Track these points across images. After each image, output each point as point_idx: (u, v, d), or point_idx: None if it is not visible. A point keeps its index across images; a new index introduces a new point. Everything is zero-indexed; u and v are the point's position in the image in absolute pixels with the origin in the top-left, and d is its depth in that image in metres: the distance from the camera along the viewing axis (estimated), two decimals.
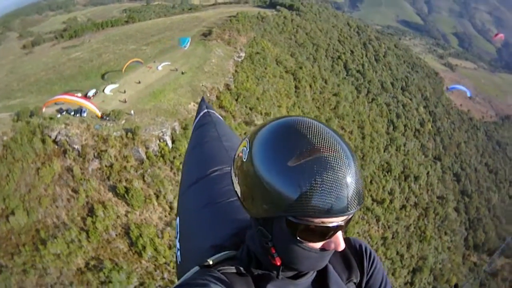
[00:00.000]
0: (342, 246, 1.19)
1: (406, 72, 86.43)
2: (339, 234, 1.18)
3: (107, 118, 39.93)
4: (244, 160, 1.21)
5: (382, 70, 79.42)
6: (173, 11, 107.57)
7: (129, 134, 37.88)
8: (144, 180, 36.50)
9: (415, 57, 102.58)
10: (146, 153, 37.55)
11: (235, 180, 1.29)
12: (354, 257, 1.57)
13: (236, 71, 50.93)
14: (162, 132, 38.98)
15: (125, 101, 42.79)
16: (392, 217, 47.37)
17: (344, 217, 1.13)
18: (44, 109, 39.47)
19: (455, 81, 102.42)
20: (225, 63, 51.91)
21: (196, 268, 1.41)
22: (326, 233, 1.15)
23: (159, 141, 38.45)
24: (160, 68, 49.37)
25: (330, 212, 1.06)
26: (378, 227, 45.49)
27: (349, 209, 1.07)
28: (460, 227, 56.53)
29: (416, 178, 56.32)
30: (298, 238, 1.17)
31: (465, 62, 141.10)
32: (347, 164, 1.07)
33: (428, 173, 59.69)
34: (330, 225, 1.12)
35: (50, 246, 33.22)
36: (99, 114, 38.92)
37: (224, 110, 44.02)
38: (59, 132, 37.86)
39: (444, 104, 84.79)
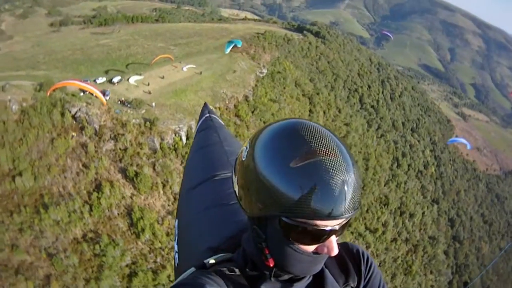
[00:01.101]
0: (335, 251, 1.20)
1: (418, 114, 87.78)
2: (333, 238, 1.19)
3: (128, 105, 41.76)
4: (244, 158, 1.26)
5: (396, 109, 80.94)
6: (202, 19, 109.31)
7: (147, 124, 39.75)
8: (154, 169, 38.15)
9: (430, 102, 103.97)
10: (160, 144, 39.32)
11: (235, 180, 1.34)
12: (351, 261, 1.57)
13: (256, 85, 53.02)
14: (179, 127, 40.79)
15: (149, 93, 44.82)
16: (382, 247, 48.60)
17: (339, 221, 1.14)
18: (49, 94, 40.44)
19: (465, 130, 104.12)
20: (247, 76, 54.09)
21: (192, 269, 1.45)
22: (319, 236, 1.17)
23: (175, 135, 40.24)
24: (185, 69, 51.41)
25: (324, 215, 1.08)
26: None
27: (344, 213, 1.08)
28: (446, 270, 57.23)
29: (411, 216, 57.57)
30: (290, 239, 1.19)
31: (478, 114, 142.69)
32: (345, 169, 1.08)
33: (423, 213, 60.77)
34: (324, 228, 1.13)
35: (51, 212, 34.52)
36: (105, 102, 40.40)
37: (240, 119, 46.00)
38: (79, 109, 39.66)
39: (451, 151, 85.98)
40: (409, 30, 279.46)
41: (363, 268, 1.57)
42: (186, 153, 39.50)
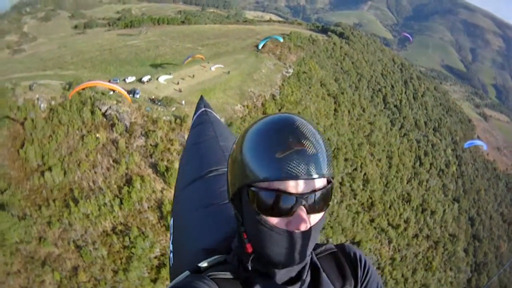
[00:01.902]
0: (304, 225, 1.15)
1: (440, 114, 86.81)
2: (302, 211, 1.14)
3: (159, 103, 42.52)
4: (231, 151, 1.28)
5: (418, 108, 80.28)
6: (227, 21, 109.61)
7: (178, 120, 40.36)
8: None
9: (451, 102, 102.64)
10: None
11: (228, 177, 1.33)
12: (348, 265, 1.53)
13: (282, 84, 53.34)
14: None
15: (180, 91, 45.60)
16: (403, 242, 48.44)
17: (302, 188, 1.11)
18: (71, 96, 40.69)
19: (486, 131, 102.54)
20: (274, 75, 54.49)
21: (187, 272, 1.42)
22: (284, 206, 1.13)
23: None
24: (213, 69, 52.00)
25: (283, 175, 1.08)
26: (389, 248, 46.56)
27: (302, 173, 1.07)
28: (466, 267, 56.73)
29: (433, 213, 57.13)
30: (258, 212, 1.17)
31: (499, 115, 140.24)
32: (309, 135, 1.12)
33: (444, 211, 60.21)
34: (288, 194, 1.11)
35: (81, 206, 35.01)
36: (130, 99, 40.96)
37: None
38: (110, 107, 40.42)
39: (472, 150, 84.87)
40: (431, 31, 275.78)
41: (359, 273, 1.53)
42: None
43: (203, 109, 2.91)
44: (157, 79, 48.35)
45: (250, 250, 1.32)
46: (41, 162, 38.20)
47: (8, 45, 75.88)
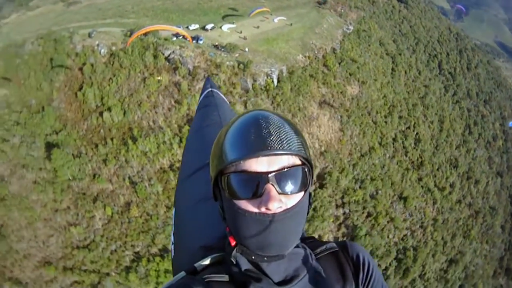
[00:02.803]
0: (274, 204, 1.14)
1: (492, 87, 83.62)
2: (270, 189, 1.14)
3: (222, 49, 42.79)
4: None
5: (471, 79, 77.45)
6: None
7: (241, 66, 40.54)
8: (246, 106, 38.95)
9: (503, 78, 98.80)
10: (253, 84, 40.22)
11: None
12: (350, 266, 1.47)
13: (343, 39, 52.50)
14: (271, 70, 41.40)
15: (245, 38, 45.74)
16: (447, 205, 47.97)
17: (265, 165, 1.15)
18: (129, 44, 41.26)
19: None
20: (335, 31, 53.60)
21: (183, 273, 1.41)
22: (252, 184, 1.16)
23: (267, 77, 40.91)
24: (276, 20, 51.43)
25: (244, 153, 1.14)
26: (433, 209, 46.24)
27: (259, 149, 1.12)
28: (501, 244, 55.66)
29: (476, 182, 56.04)
30: (228, 196, 1.21)
31: None
32: (270, 117, 1.21)
33: (488, 182, 58.77)
34: (253, 173, 1.15)
35: (139, 143, 35.96)
36: (191, 40, 41.94)
37: (327, 68, 46.04)
38: (173, 52, 40.85)
39: None
40: (486, 6, 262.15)
41: (361, 276, 1.46)
42: (276, 94, 40.65)
43: (210, 89, 2.84)
44: (220, 27, 48.37)
45: (233, 243, 1.31)
46: (100, 103, 39.12)
47: None
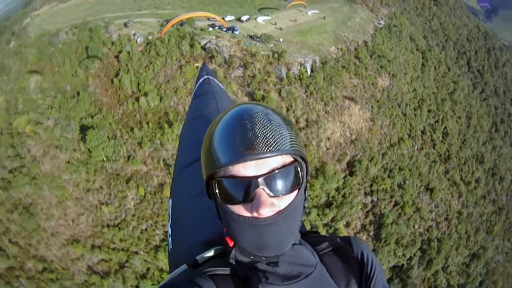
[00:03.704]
0: (266, 209, 1.10)
1: None
2: (260, 193, 1.09)
3: (257, 40, 43.14)
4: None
5: (498, 77, 76.13)
6: None
7: (275, 55, 40.83)
8: (280, 94, 39.51)
9: None
10: (287, 73, 40.48)
11: None
12: (353, 263, 1.43)
13: (374, 33, 52.25)
14: (304, 60, 41.56)
15: (281, 29, 46.14)
16: (472, 200, 47.43)
17: (253, 169, 1.09)
18: (164, 33, 41.80)
19: None
20: (366, 25, 53.36)
21: (184, 266, 1.38)
22: (242, 189, 1.11)
23: (300, 67, 41.10)
24: (309, 13, 51.80)
25: (232, 158, 1.07)
26: (458, 202, 45.82)
27: (248, 153, 1.05)
28: None
29: (501, 179, 55.16)
30: (221, 200, 1.15)
31: None
32: (259, 115, 1.11)
33: None
34: (242, 177, 1.09)
35: (175, 127, 36.41)
36: (226, 25, 43.15)
37: (359, 60, 45.98)
38: (209, 41, 41.47)
39: None
40: None
41: (365, 273, 1.42)
42: (309, 83, 40.66)
43: (206, 77, 2.70)
44: (255, 19, 48.75)
45: (231, 244, 1.28)
46: (136, 89, 39.84)
47: None
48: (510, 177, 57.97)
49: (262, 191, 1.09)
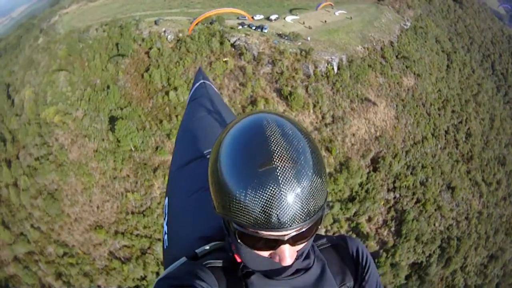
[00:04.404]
0: (287, 262, 1.09)
1: None
2: (285, 248, 1.07)
3: (286, 38, 43.77)
4: (210, 159, 1.17)
5: None
6: None
7: (303, 53, 41.38)
8: (307, 91, 40.03)
9: None
10: (314, 71, 41.02)
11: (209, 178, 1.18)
12: (349, 260, 1.46)
13: (400, 34, 52.25)
14: (331, 58, 42.02)
15: (310, 28, 46.75)
16: (492, 200, 47.04)
17: (286, 233, 1.02)
18: (191, 30, 42.77)
19: None
20: (393, 25, 53.33)
21: (183, 259, 1.37)
22: (268, 245, 1.07)
23: (327, 64, 41.61)
24: (337, 14, 52.13)
25: (267, 226, 0.99)
26: (479, 202, 45.57)
27: (286, 226, 0.98)
28: None
29: None
30: (240, 242, 1.10)
31: None
32: (295, 180, 0.96)
33: None
34: (271, 238, 1.03)
35: None
36: (251, 18, 44.67)
37: (385, 60, 46.21)
38: (238, 39, 42.19)
39: None
40: None
41: (360, 269, 1.45)
42: (336, 81, 41.09)
43: (202, 81, 2.68)
44: (284, 18, 49.52)
45: (239, 260, 1.26)
46: (166, 83, 40.67)
47: None
48: None
49: (287, 245, 1.08)
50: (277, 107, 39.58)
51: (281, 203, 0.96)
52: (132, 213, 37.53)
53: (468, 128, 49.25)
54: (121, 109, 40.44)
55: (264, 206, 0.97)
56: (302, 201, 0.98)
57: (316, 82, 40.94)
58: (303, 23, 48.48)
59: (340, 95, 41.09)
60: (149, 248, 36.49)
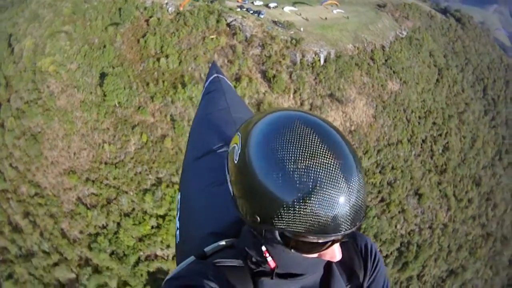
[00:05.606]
0: (337, 257, 1.04)
1: None
2: (336, 246, 1.02)
3: (280, 25, 44.92)
4: (236, 160, 1.04)
5: None
6: None
7: (293, 41, 42.57)
8: (290, 77, 41.20)
9: None
10: (301, 59, 42.08)
11: (228, 178, 1.12)
12: (358, 256, 1.39)
13: (394, 41, 52.99)
14: (320, 50, 42.98)
15: (307, 19, 47.76)
16: (460, 217, 47.59)
17: (348, 233, 0.94)
18: (182, 6, 43.91)
19: None
20: (388, 31, 54.02)
21: (192, 258, 1.31)
22: (320, 247, 0.99)
23: (315, 55, 42.67)
24: (335, 12, 53.04)
25: (323, 232, 0.91)
26: (446, 215, 46.41)
27: (343, 229, 0.91)
28: (504, 277, 53.82)
29: (495, 206, 54.52)
30: (291, 249, 1.00)
31: None
32: (356, 177, 0.92)
33: (506, 210, 57.06)
34: (324, 240, 0.96)
35: (188, 89, 38.69)
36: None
37: (373, 61, 46.86)
38: (234, 19, 43.37)
39: None
40: None
41: (369, 265, 1.39)
42: (320, 72, 41.83)
43: (215, 75, 2.67)
44: (282, 8, 50.28)
45: (273, 266, 1.15)
46: (159, 50, 41.85)
47: None
48: (504, 206, 57.62)
49: (338, 244, 1.05)
50: (258, 87, 40.51)
51: (349, 203, 0.91)
52: (106, 163, 38.13)
53: (447, 142, 49.73)
54: (113, 67, 41.36)
55: (333, 210, 0.90)
56: (363, 197, 0.95)
57: (301, 70, 41.81)
58: (300, 14, 49.47)
59: (322, 85, 41.71)
60: (115, 198, 36.84)
